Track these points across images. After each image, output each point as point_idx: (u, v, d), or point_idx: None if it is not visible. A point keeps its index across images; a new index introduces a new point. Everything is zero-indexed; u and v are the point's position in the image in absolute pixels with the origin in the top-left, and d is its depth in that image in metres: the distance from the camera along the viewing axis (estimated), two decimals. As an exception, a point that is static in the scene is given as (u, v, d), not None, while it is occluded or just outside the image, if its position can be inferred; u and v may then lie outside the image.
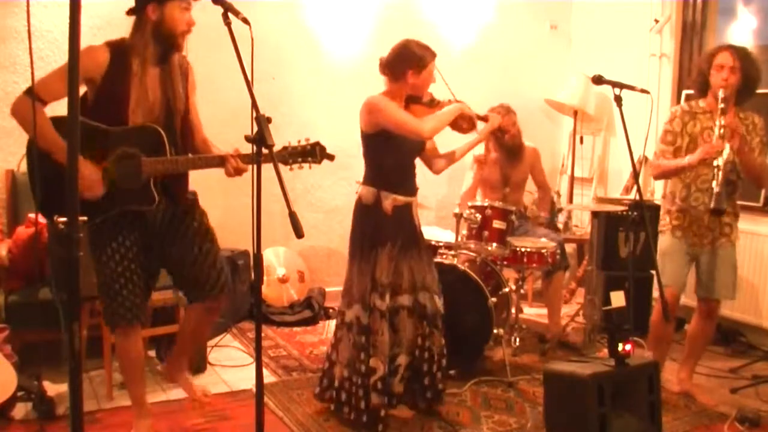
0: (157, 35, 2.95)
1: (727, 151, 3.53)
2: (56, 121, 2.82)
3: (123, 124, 2.93)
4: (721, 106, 3.59)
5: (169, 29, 2.94)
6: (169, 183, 3.07)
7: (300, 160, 2.98)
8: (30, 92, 2.77)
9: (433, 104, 3.54)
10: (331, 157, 3.06)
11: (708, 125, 3.73)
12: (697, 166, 3.68)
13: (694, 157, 3.64)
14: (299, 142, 3.00)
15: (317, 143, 3.00)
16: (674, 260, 3.83)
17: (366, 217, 3.50)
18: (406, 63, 3.39)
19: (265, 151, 2.36)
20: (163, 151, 2.94)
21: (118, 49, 2.95)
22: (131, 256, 3.03)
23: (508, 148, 5.01)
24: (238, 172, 2.98)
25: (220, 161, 2.99)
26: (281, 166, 2.74)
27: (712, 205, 3.52)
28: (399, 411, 3.56)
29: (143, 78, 2.95)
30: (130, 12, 2.99)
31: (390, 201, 3.45)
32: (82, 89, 2.95)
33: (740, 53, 3.66)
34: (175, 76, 3.05)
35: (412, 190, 3.55)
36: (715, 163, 3.54)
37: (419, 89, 3.47)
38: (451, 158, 3.77)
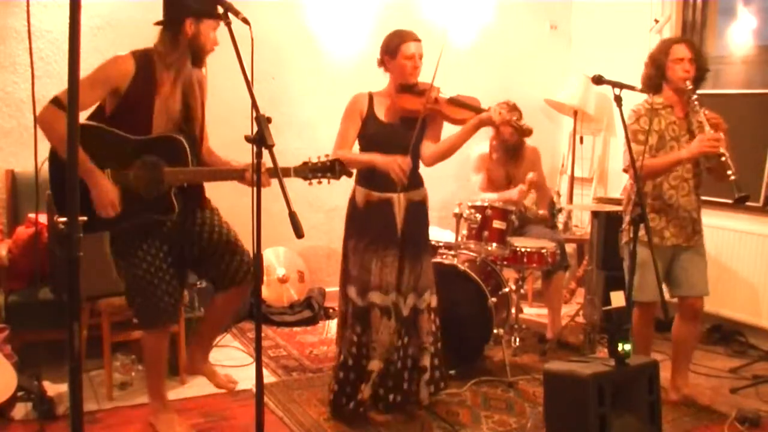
0: (190, 49, 3.01)
1: (723, 139, 3.53)
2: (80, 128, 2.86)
3: (145, 134, 2.99)
4: (695, 97, 3.59)
5: (201, 45, 3.01)
6: (187, 190, 3.15)
7: (320, 175, 3.05)
8: (55, 101, 2.82)
9: (421, 94, 3.47)
10: (349, 174, 3.16)
11: (671, 120, 3.72)
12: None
13: (692, 149, 3.57)
14: (319, 158, 3.06)
15: (337, 160, 3.07)
16: (653, 272, 3.69)
17: (347, 210, 3.62)
18: (382, 51, 3.51)
19: (268, 156, 2.36)
20: (185, 161, 3.01)
21: (143, 59, 2.99)
22: (162, 255, 3.12)
23: (509, 146, 5.02)
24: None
25: (240, 174, 3.05)
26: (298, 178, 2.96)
27: (736, 195, 3.48)
28: (375, 414, 3.55)
29: (164, 90, 3.02)
30: (160, 23, 3.02)
31: (362, 195, 3.52)
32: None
33: (694, 45, 3.76)
34: (194, 87, 3.12)
35: (391, 186, 3.45)
36: (720, 152, 3.50)
37: (400, 75, 3.47)
38: (442, 150, 3.53)
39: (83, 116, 2.99)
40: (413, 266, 3.52)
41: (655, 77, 3.78)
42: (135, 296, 3.15)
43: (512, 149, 5.04)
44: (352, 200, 3.58)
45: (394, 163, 3.34)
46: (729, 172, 3.50)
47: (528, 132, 3.53)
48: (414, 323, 3.54)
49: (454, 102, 3.52)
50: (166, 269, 3.13)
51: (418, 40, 3.47)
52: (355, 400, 3.44)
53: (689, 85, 3.61)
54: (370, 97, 3.53)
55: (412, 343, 3.53)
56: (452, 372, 4.04)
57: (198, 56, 3.04)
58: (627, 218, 3.86)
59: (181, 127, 3.07)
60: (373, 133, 3.49)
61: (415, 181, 3.56)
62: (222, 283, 3.33)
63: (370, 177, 3.50)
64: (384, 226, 3.48)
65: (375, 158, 3.41)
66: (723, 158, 3.51)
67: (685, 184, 3.75)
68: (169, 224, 3.13)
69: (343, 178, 3.10)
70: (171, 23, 2.99)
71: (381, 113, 3.51)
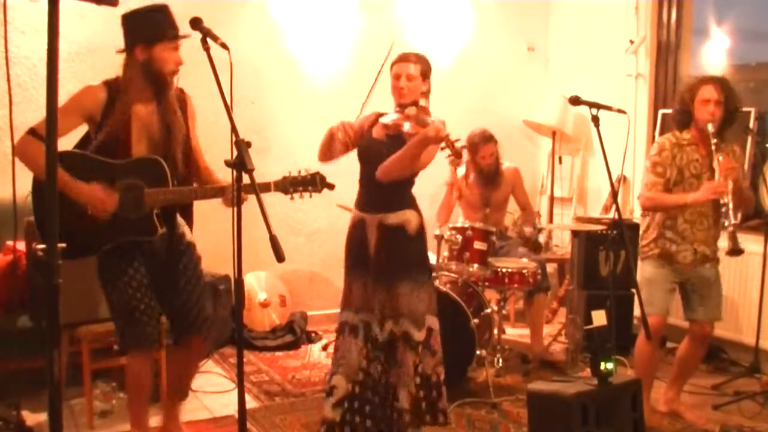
0: (146, 74, 2.98)
1: (730, 188, 3.55)
2: (59, 155, 2.84)
3: (126, 158, 2.99)
4: (714, 141, 3.59)
5: (158, 69, 2.98)
6: (175, 212, 3.15)
7: (301, 189, 3.06)
8: (31, 132, 2.82)
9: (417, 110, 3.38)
10: (331, 186, 3.12)
11: (694, 158, 3.72)
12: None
13: (698, 196, 3.61)
14: (299, 172, 3.05)
15: (317, 173, 3.07)
16: (660, 287, 3.76)
17: None
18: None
19: (248, 180, 2.36)
20: (165, 181, 3.00)
21: (114, 87, 2.99)
22: (146, 282, 3.09)
23: (485, 173, 5.03)
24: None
25: (221, 192, 3.05)
26: (280, 193, 2.99)
27: (729, 246, 3.52)
28: None
29: (140, 114, 3.01)
30: (120, 51, 3.01)
31: (352, 215, 3.43)
32: (84, 127, 3.02)
33: (723, 85, 3.66)
34: (172, 109, 3.09)
35: (366, 206, 3.34)
36: (722, 201, 3.56)
37: (395, 95, 3.30)
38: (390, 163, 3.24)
39: (65, 144, 2.98)
40: (387, 291, 3.27)
41: (683, 114, 3.77)
42: (120, 319, 3.10)
43: (489, 176, 5.05)
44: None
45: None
46: (726, 224, 3.55)
47: (458, 154, 3.17)
48: (392, 352, 3.27)
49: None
50: (150, 295, 3.10)
51: (407, 61, 3.28)
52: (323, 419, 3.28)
53: (711, 129, 3.60)
54: (379, 115, 3.34)
55: (391, 374, 3.26)
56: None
57: (159, 80, 3.00)
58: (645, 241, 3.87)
59: (163, 149, 3.06)
60: (363, 146, 3.34)
61: (388, 204, 3.31)
62: (181, 328, 3.25)
63: (358, 195, 3.41)
64: (358, 247, 3.36)
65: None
66: (723, 209, 3.56)
67: (704, 220, 3.74)
68: (151, 251, 3.11)
69: (326, 199, 3.07)
70: (126, 50, 3.01)
71: (376, 128, 3.34)
